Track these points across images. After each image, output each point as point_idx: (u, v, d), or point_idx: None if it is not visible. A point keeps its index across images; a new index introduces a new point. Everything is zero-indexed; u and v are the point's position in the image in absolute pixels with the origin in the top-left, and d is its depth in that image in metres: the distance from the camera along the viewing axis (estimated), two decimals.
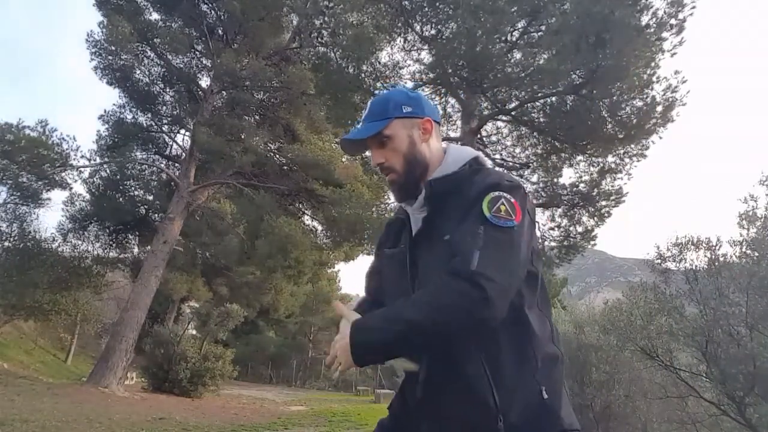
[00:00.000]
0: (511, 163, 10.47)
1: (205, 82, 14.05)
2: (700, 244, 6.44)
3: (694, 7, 6.91)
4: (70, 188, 12.82)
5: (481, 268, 0.90)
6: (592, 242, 9.41)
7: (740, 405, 5.61)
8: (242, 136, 12.96)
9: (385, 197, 11.34)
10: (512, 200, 1.00)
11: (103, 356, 11.01)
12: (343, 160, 11.85)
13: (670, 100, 7.52)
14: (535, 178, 10.21)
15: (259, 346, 27.06)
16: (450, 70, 8.18)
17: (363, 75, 8.96)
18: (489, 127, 10.11)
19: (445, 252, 1.00)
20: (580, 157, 9.24)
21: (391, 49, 9.23)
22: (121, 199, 13.99)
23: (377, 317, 0.99)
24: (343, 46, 8.69)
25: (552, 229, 9.75)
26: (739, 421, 5.70)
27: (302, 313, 27.82)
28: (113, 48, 11.82)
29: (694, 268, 6.47)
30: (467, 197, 1.03)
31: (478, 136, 9.62)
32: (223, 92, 13.33)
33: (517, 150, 10.37)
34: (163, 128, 14.70)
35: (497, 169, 1.16)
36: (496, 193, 1.00)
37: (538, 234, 10.05)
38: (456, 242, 0.97)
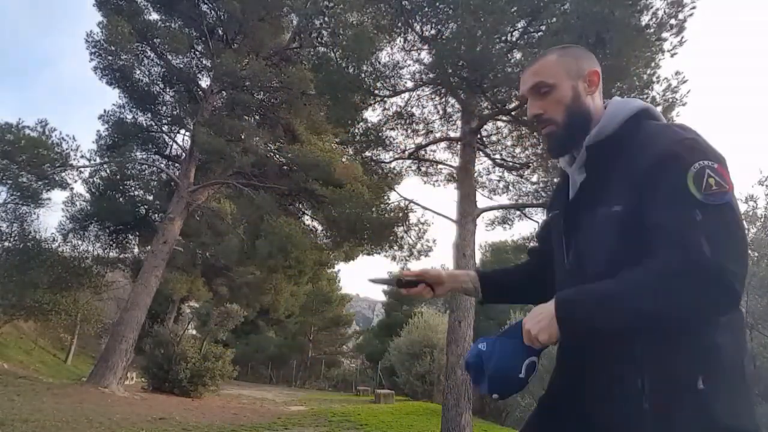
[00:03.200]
0: (511, 163, 10.47)
1: (205, 82, 14.07)
2: None
3: (694, 7, 6.91)
4: (70, 188, 12.83)
5: (720, 256, 0.78)
6: None
7: None
8: (242, 137, 12.96)
9: (385, 197, 11.33)
10: (715, 166, 0.84)
11: (103, 356, 11.01)
12: (343, 160, 11.85)
13: (670, 100, 7.52)
14: (535, 178, 10.22)
15: (259, 346, 27.06)
16: (450, 70, 8.17)
17: (363, 75, 8.96)
18: (489, 127, 10.11)
19: (611, 226, 0.91)
20: None
21: (391, 49, 9.24)
22: (121, 199, 13.99)
23: (590, 296, 0.88)
24: (343, 46, 8.69)
25: None
26: None
27: (302, 313, 27.83)
28: (113, 48, 11.81)
29: None
30: (639, 160, 0.90)
31: (478, 136, 9.62)
32: (223, 92, 13.33)
33: (517, 150, 10.37)
34: (163, 128, 14.70)
35: (666, 122, 1.01)
36: (699, 165, 0.84)
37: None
38: (667, 228, 0.83)
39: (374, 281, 1.26)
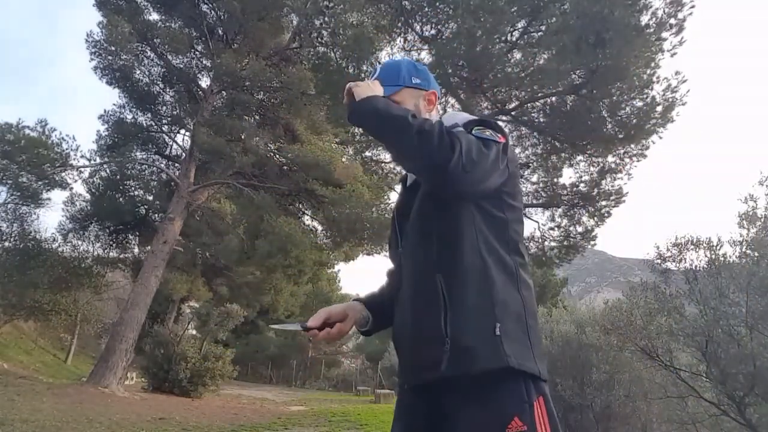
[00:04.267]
0: None
1: (205, 82, 14.06)
2: (700, 244, 6.43)
3: (693, 7, 6.91)
4: (70, 188, 12.83)
5: (463, 146, 1.00)
6: (592, 242, 9.42)
7: (740, 405, 5.60)
8: (242, 137, 12.96)
9: (385, 197, 11.35)
10: (498, 135, 1.11)
11: (103, 356, 11.01)
12: (343, 160, 11.85)
13: (670, 100, 7.52)
14: (535, 178, 10.22)
15: (259, 346, 27.06)
16: (450, 70, 8.18)
17: (363, 75, 8.96)
18: None
19: (423, 201, 1.14)
20: (580, 157, 9.25)
21: (391, 49, 9.25)
22: (121, 199, 13.99)
23: (387, 104, 1.12)
24: (343, 46, 8.70)
25: (552, 229, 9.75)
26: (739, 421, 5.70)
27: (302, 313, 27.78)
28: (113, 48, 11.81)
29: (694, 268, 6.47)
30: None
31: None
32: (223, 92, 13.33)
33: (517, 150, 10.37)
34: (163, 128, 14.70)
35: None
36: (483, 125, 1.13)
37: (537, 233, 10.03)
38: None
39: (275, 329, 1.35)
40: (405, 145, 1.06)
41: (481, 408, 0.96)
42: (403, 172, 1.39)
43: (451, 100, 9.84)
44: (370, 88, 1.14)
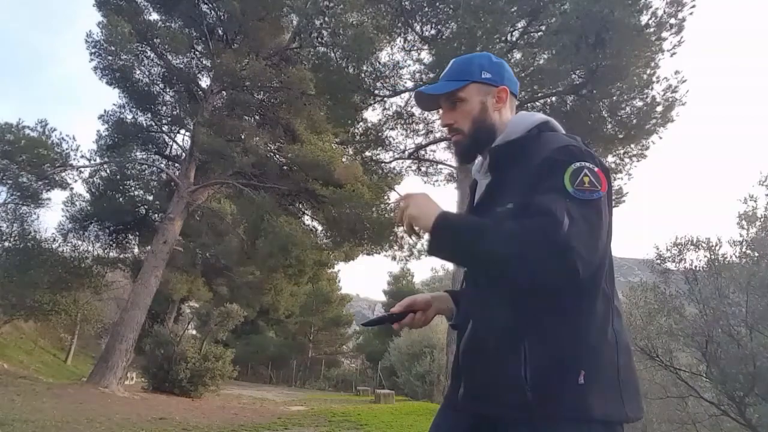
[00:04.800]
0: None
1: (205, 82, 14.06)
2: (699, 245, 6.44)
3: (693, 7, 6.91)
4: (70, 188, 12.82)
5: (573, 239, 0.86)
6: None
7: (740, 405, 5.60)
8: (242, 137, 12.95)
9: (385, 197, 11.34)
10: (596, 169, 0.94)
11: (103, 356, 11.01)
12: (343, 160, 11.85)
13: (670, 100, 7.53)
14: None
15: (259, 346, 27.05)
16: None
17: (363, 75, 8.98)
18: None
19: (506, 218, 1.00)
20: None
21: (391, 49, 9.26)
22: (121, 199, 13.98)
23: (466, 222, 1.04)
24: (343, 46, 8.70)
25: None
26: (739, 421, 5.70)
27: (302, 313, 27.81)
28: (113, 48, 11.80)
29: (693, 268, 6.47)
30: (533, 162, 0.99)
31: None
32: (223, 92, 13.32)
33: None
34: (163, 128, 14.69)
35: (565, 134, 1.11)
36: (578, 164, 0.94)
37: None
38: (538, 204, 0.92)
39: (367, 324, 1.28)
40: (506, 261, 0.91)
41: None
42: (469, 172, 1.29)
43: None
44: (425, 213, 1.01)
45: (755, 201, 6.14)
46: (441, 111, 1.20)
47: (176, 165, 14.20)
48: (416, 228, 1.06)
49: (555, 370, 0.92)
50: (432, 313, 1.23)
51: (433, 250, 1.02)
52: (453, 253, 1.05)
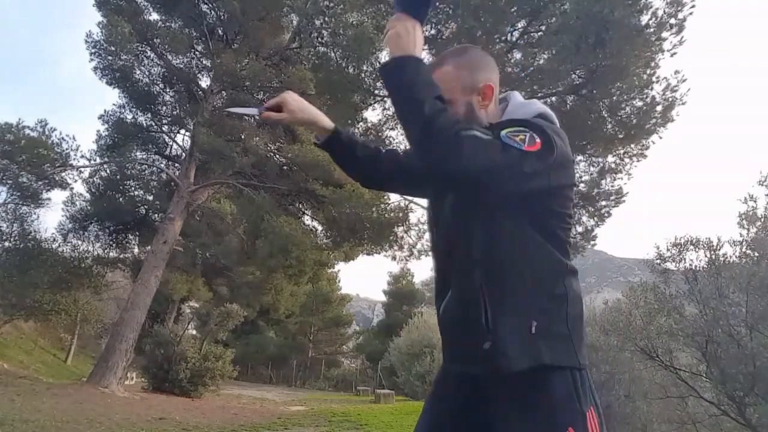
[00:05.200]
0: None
1: (205, 82, 14.05)
2: (699, 244, 6.44)
3: (693, 7, 6.91)
4: (70, 188, 12.82)
5: (471, 140, 0.93)
6: (592, 242, 9.42)
7: (740, 405, 5.60)
8: (242, 137, 12.96)
9: (385, 197, 11.33)
10: (537, 138, 0.98)
11: (103, 356, 11.01)
12: None
13: (670, 99, 7.53)
14: None
15: (259, 346, 27.07)
16: None
17: (363, 75, 8.97)
18: None
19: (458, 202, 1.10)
20: (580, 157, 9.25)
21: None
22: (121, 199, 13.98)
23: (418, 72, 1.02)
24: (343, 46, 8.70)
25: None
26: (739, 421, 5.70)
27: (302, 313, 27.82)
28: (113, 48, 11.80)
29: (693, 268, 6.47)
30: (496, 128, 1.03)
31: None
32: (223, 92, 13.32)
33: None
34: (163, 128, 14.70)
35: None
36: (523, 128, 1.00)
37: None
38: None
39: (232, 112, 1.32)
40: (410, 132, 1.01)
41: (532, 414, 0.97)
42: None
43: None
44: (405, 41, 1.04)
45: (755, 201, 6.15)
46: None
47: (176, 165, 14.20)
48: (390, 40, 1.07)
49: (509, 321, 0.99)
50: (299, 117, 1.26)
51: (386, 72, 1.05)
52: (396, 86, 1.05)
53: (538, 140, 0.98)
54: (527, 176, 0.98)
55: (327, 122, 1.30)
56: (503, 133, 0.97)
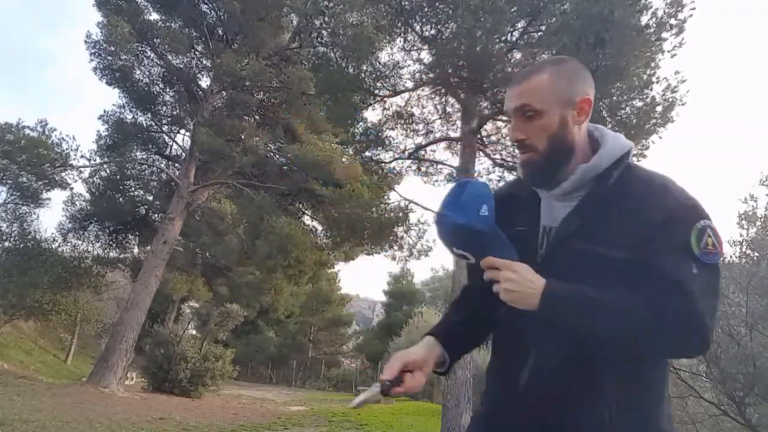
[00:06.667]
0: (511, 163, 10.46)
1: (205, 82, 14.07)
2: None
3: (693, 8, 6.91)
4: (70, 188, 12.83)
5: (707, 316, 0.85)
6: None
7: (740, 405, 5.60)
8: (242, 137, 12.96)
9: (385, 197, 11.33)
10: (715, 229, 0.90)
11: (103, 356, 11.01)
12: (343, 160, 11.86)
13: (670, 100, 7.52)
14: None
15: (259, 346, 27.08)
16: (450, 70, 8.18)
17: (363, 75, 8.96)
18: (489, 127, 10.10)
19: (604, 269, 0.91)
20: None
21: (391, 49, 9.24)
22: (121, 199, 13.99)
23: (580, 298, 0.90)
24: (343, 46, 8.69)
25: None
26: (739, 421, 5.70)
27: (302, 313, 27.84)
28: (113, 48, 11.80)
29: None
30: (650, 218, 0.91)
31: (478, 136, 9.61)
32: (223, 92, 13.32)
33: (517, 150, 10.35)
34: (163, 128, 14.70)
35: (662, 173, 1.00)
36: (702, 223, 0.89)
37: None
38: (668, 272, 0.87)
39: (357, 405, 1.02)
40: (640, 343, 0.90)
41: None
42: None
43: (451, 100, 9.85)
44: (529, 286, 0.91)
45: (755, 201, 6.14)
46: (512, 123, 1.03)
47: (176, 165, 14.20)
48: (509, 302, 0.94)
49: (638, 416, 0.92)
50: (429, 369, 1.06)
51: (547, 320, 0.93)
52: (571, 326, 0.92)
53: (714, 227, 0.91)
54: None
55: (439, 356, 1.09)
56: (697, 251, 0.87)
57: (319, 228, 14.08)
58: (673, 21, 6.97)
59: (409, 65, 9.33)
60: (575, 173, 0.98)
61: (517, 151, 1.04)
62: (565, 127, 0.99)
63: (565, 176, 0.99)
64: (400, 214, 10.87)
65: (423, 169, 11.03)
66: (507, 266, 0.94)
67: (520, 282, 0.92)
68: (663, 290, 0.86)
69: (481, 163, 10.40)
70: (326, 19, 9.33)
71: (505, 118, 9.48)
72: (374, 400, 1.03)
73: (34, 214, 12.82)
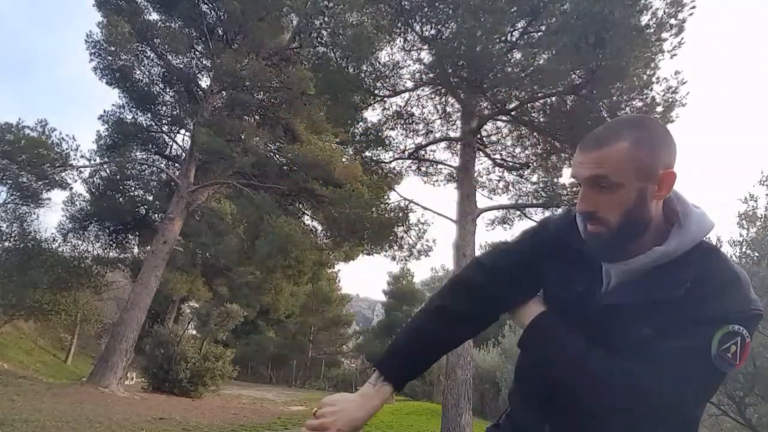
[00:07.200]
0: (510, 163, 10.47)
1: (205, 82, 14.07)
2: None
3: (693, 7, 6.91)
4: (70, 188, 12.84)
5: (689, 420, 0.82)
6: None
7: (740, 405, 5.60)
8: (242, 137, 12.96)
9: (385, 197, 11.34)
10: (746, 341, 0.80)
11: (103, 356, 11.01)
12: (343, 160, 11.86)
13: (670, 100, 7.53)
14: (535, 178, 10.22)
15: (259, 346, 27.07)
16: (450, 70, 8.17)
17: (363, 75, 8.97)
18: (489, 127, 10.11)
19: (633, 344, 0.85)
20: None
21: (391, 49, 9.24)
22: (121, 199, 13.99)
23: (564, 342, 0.90)
24: (343, 46, 8.69)
25: None
26: (739, 421, 5.70)
27: (302, 313, 27.82)
28: (113, 48, 11.81)
29: None
30: (696, 307, 0.82)
31: (478, 136, 9.62)
32: (223, 92, 13.33)
33: (517, 150, 10.37)
34: (163, 128, 14.71)
35: (738, 266, 0.90)
36: (735, 328, 0.79)
37: None
38: (670, 357, 0.81)
39: None
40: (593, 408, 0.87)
41: None
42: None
43: (451, 100, 9.85)
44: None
45: (755, 201, 6.13)
46: (581, 190, 0.90)
47: (176, 165, 14.20)
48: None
49: None
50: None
51: (523, 347, 0.96)
52: (544, 361, 0.94)
53: (748, 340, 0.80)
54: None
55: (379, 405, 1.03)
56: (714, 350, 0.78)
57: (319, 228, 14.08)
58: (673, 21, 6.97)
59: (409, 65, 9.35)
60: (648, 256, 0.88)
61: (580, 219, 0.92)
62: (643, 203, 0.86)
63: (634, 251, 0.88)
64: (400, 214, 10.87)
65: (423, 169, 11.04)
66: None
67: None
68: (655, 369, 0.81)
69: (481, 163, 10.42)
70: (326, 19, 9.33)
71: (505, 118, 9.48)
72: None
73: (34, 214, 12.83)
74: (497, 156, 10.49)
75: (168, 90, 14.46)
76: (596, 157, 0.86)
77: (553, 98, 8.35)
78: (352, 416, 0.99)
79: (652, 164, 0.85)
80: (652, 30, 6.98)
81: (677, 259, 0.87)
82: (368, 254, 13.15)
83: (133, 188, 14.41)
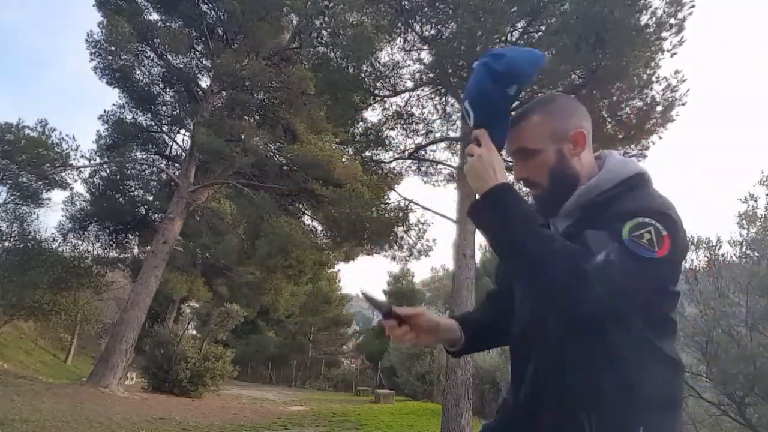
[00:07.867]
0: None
1: (205, 82, 14.07)
2: (700, 244, 6.43)
3: (693, 7, 6.92)
4: (70, 188, 12.85)
5: (597, 277, 0.82)
6: None
7: (740, 405, 5.60)
8: (242, 137, 12.96)
9: (385, 197, 11.33)
10: (663, 231, 0.86)
11: (103, 356, 11.01)
12: (343, 160, 11.86)
13: (670, 100, 7.53)
14: None
15: (259, 346, 27.07)
16: (450, 70, 8.18)
17: (363, 75, 8.97)
18: None
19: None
20: None
21: (391, 49, 9.24)
22: (121, 199, 13.99)
23: (520, 212, 0.94)
24: (343, 46, 8.70)
25: None
26: (739, 421, 5.70)
27: (302, 313, 27.82)
28: (113, 48, 11.81)
29: (694, 268, 6.46)
30: (611, 215, 0.91)
31: None
32: (223, 92, 13.33)
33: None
34: (163, 128, 14.71)
35: (659, 192, 0.99)
36: (645, 219, 0.87)
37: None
38: (589, 235, 0.88)
39: (366, 296, 1.10)
40: (522, 281, 1.00)
41: None
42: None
43: (451, 100, 9.85)
44: (489, 173, 0.97)
45: (755, 201, 6.13)
46: (513, 163, 1.10)
47: (176, 165, 14.21)
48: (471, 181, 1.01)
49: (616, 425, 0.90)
50: (429, 340, 1.16)
51: (474, 216, 0.99)
52: (489, 232, 0.98)
53: (665, 233, 0.86)
54: (664, 292, 0.93)
55: (453, 334, 1.19)
56: (626, 236, 0.85)
57: (319, 228, 14.08)
58: (672, 20, 6.98)
59: (409, 65, 9.35)
60: (573, 196, 1.02)
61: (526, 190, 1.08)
62: (563, 161, 1.03)
63: None
64: (400, 214, 10.87)
65: (423, 169, 11.04)
66: (487, 148, 1.00)
67: (483, 165, 0.98)
68: (579, 252, 0.86)
69: None
70: (326, 19, 9.33)
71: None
72: (375, 305, 1.10)
73: (34, 214, 12.84)
74: None
75: (168, 90, 14.47)
76: (515, 134, 1.06)
77: None
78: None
79: (562, 128, 1.03)
80: (651, 29, 6.99)
81: (603, 195, 0.99)
82: (368, 254, 13.14)
83: (133, 188, 14.41)
